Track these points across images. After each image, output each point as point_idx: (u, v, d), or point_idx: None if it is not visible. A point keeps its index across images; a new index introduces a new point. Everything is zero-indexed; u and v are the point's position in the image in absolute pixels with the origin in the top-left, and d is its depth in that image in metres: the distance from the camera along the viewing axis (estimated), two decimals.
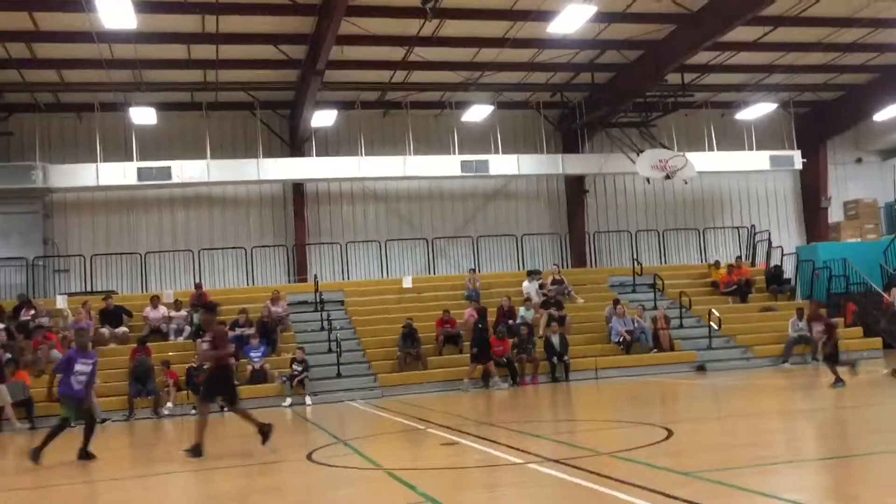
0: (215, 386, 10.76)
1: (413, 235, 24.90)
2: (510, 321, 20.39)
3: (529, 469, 8.20)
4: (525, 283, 22.26)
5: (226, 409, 12.39)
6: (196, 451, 10.11)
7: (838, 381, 13.87)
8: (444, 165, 24.19)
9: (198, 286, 21.01)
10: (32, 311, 19.17)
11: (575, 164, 25.28)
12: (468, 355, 19.18)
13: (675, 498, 6.16)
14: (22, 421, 15.82)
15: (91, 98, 21.70)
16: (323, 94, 21.36)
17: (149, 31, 17.47)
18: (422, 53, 20.59)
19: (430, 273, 24.54)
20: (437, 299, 21.93)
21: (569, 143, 25.80)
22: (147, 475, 10.17)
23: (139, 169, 21.75)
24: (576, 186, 26.06)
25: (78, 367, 10.64)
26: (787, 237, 27.26)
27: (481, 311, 19.81)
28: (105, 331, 19.20)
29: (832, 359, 14.38)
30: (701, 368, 19.61)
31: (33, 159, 21.46)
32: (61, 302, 19.93)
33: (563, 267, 24.52)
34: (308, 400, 17.88)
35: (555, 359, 19.35)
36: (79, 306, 19.42)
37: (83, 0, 15.37)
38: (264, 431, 10.41)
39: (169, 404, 17.26)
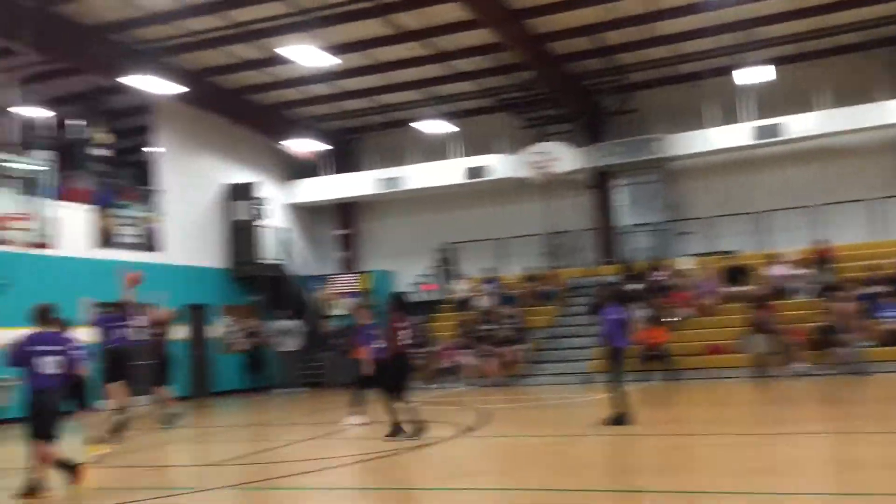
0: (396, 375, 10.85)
1: None
2: None
3: None
4: None
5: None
6: (397, 432, 10.44)
7: None
8: None
9: (819, 242, 20.29)
10: (662, 272, 20.91)
11: None
12: None
13: None
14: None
15: (701, 66, 22.55)
16: None
17: None
18: None
19: None
20: None
21: None
22: (787, 433, 10.35)
23: (752, 129, 21.95)
24: None
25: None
26: None
27: None
28: (727, 289, 19.94)
29: None
30: None
31: (653, 132, 23.27)
32: (685, 262, 21.30)
33: None
34: None
35: None
36: (702, 266, 20.55)
37: None
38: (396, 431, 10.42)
39: (796, 364, 17.15)
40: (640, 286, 20.49)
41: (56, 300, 17.80)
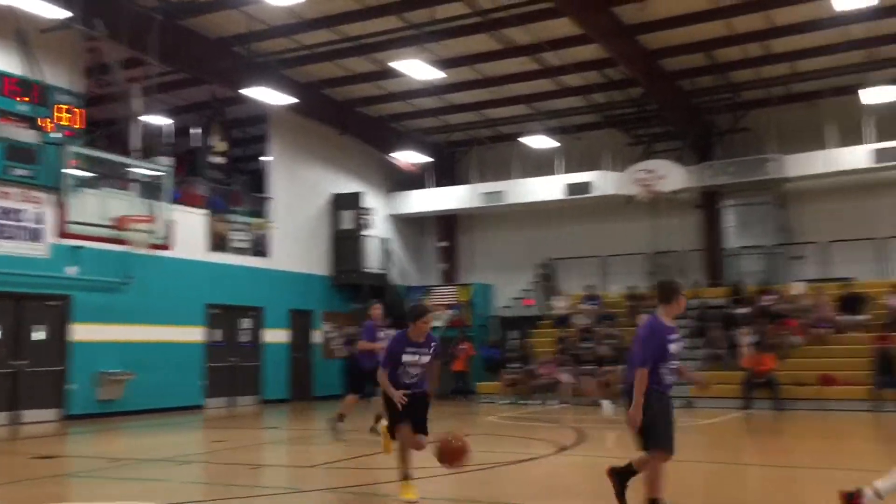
0: None
1: None
2: None
3: None
4: None
5: None
6: None
7: None
8: None
9: None
10: (771, 297, 20.14)
11: None
12: None
13: None
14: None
15: (821, 85, 21.67)
16: None
17: (887, 5, 16.59)
18: None
19: None
20: None
21: None
22: None
23: (873, 151, 20.93)
24: None
25: None
26: None
27: None
28: (844, 318, 19.03)
29: None
30: None
31: (767, 151, 22.48)
32: (798, 288, 20.44)
33: None
34: None
35: None
36: (815, 293, 19.68)
37: None
38: None
39: None
40: (747, 310, 19.81)
41: (172, 300, 18.65)
